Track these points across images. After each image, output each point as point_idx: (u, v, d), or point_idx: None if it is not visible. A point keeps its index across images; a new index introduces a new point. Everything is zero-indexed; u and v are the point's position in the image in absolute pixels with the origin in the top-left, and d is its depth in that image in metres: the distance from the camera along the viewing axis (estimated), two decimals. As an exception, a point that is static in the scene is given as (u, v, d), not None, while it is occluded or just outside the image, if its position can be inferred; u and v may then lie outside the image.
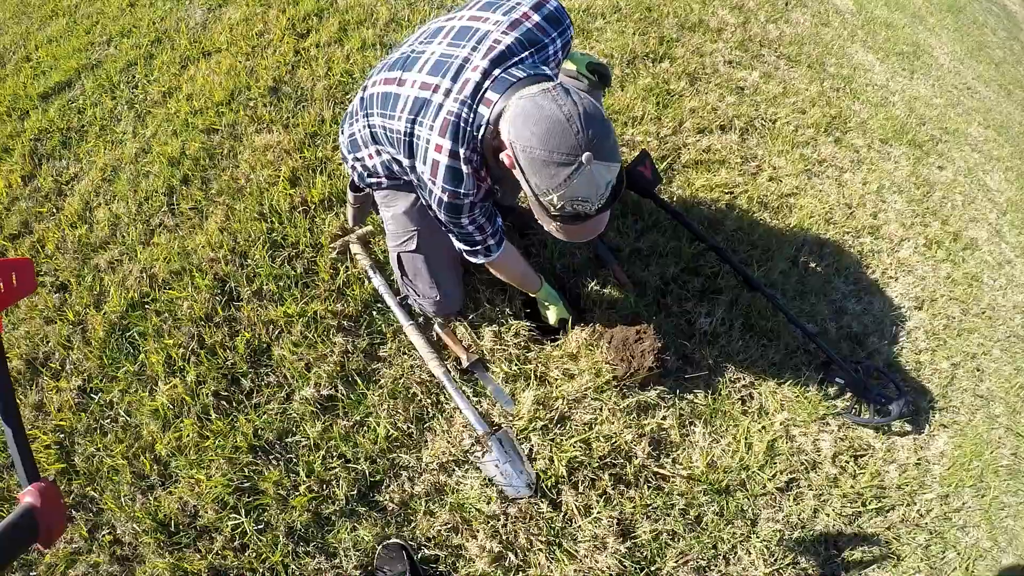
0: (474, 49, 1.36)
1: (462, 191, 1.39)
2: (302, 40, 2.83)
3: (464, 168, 1.36)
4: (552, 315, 1.98)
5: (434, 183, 1.39)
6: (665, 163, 2.59)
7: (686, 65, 3.09)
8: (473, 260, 1.69)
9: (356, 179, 1.78)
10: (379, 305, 2.01)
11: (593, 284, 2.13)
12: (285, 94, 2.58)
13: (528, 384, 1.89)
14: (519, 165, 1.23)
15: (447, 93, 1.34)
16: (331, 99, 2.56)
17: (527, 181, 1.24)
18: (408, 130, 1.39)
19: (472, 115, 1.32)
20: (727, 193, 2.56)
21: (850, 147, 3.12)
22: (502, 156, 1.30)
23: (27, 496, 0.94)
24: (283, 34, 2.82)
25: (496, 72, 1.33)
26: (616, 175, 1.23)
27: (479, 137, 1.34)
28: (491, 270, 1.82)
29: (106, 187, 2.30)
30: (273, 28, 2.86)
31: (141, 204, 2.22)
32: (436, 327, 1.96)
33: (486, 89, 1.32)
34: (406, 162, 1.45)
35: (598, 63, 1.86)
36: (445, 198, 1.41)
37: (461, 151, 1.34)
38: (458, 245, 1.65)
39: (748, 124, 2.94)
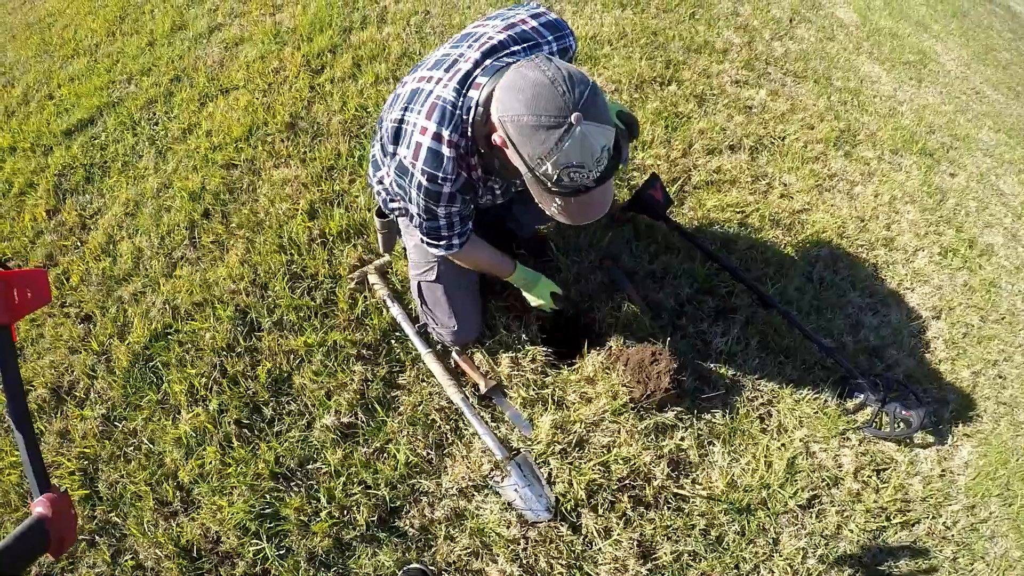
0: (469, 47, 1.41)
1: (440, 174, 1.38)
2: (317, 76, 2.90)
3: (446, 151, 1.36)
4: (533, 299, 1.90)
5: (414, 166, 1.39)
6: (676, 185, 2.61)
7: (693, 87, 3.12)
8: (433, 252, 1.67)
9: (381, 204, 1.81)
10: (397, 334, 2.03)
11: (608, 308, 2.14)
12: (302, 129, 2.64)
13: (546, 408, 1.90)
14: (510, 140, 1.20)
15: (438, 81, 1.37)
16: (347, 133, 2.62)
17: (520, 155, 1.20)
18: (400, 117, 1.42)
19: (461, 99, 1.34)
20: (739, 212, 2.57)
21: (860, 160, 3.13)
22: (493, 137, 1.28)
23: (38, 506, 0.95)
24: (298, 71, 2.90)
25: (487, 62, 1.36)
26: (612, 141, 1.20)
27: (469, 120, 1.35)
28: (455, 261, 1.79)
29: (129, 221, 2.37)
30: (288, 65, 2.94)
31: (163, 238, 2.28)
32: (454, 354, 1.98)
33: (476, 75, 1.35)
34: (390, 148, 1.46)
35: (628, 114, 1.85)
36: (424, 180, 1.39)
37: (445, 132, 1.35)
38: (420, 236, 1.63)
39: (757, 143, 2.96)
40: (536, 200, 1.34)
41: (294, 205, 2.33)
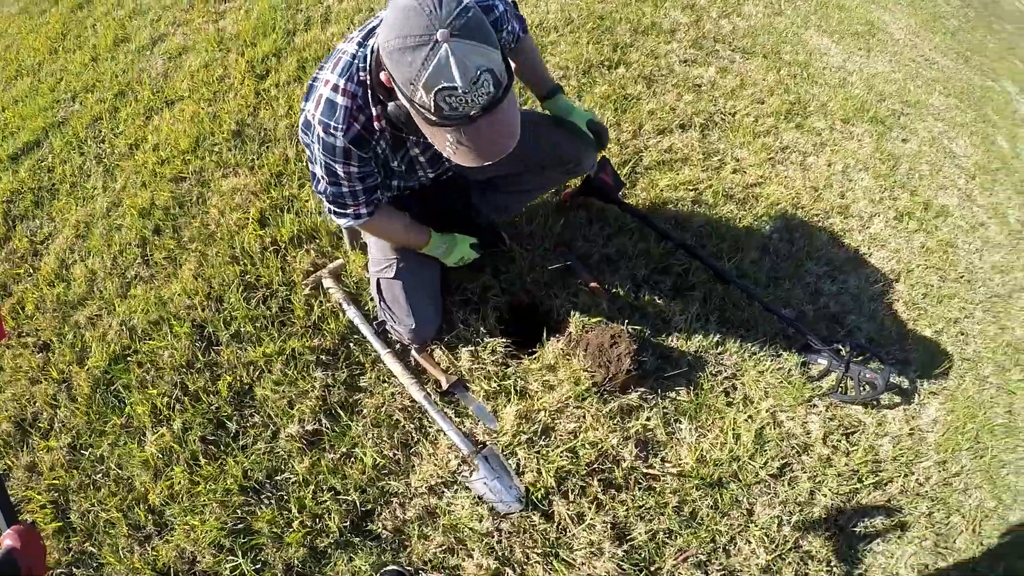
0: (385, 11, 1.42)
1: (332, 123, 1.38)
2: (262, 81, 2.86)
3: (340, 100, 1.37)
4: (456, 260, 1.89)
5: (314, 118, 1.40)
6: (627, 167, 2.61)
7: (642, 69, 3.13)
8: (340, 222, 1.67)
9: None
10: (356, 336, 2.02)
11: (565, 294, 2.14)
12: (249, 136, 2.61)
13: (509, 400, 1.90)
14: (389, 74, 1.16)
15: (351, 40, 1.39)
16: (294, 138, 2.59)
17: (398, 87, 1.16)
18: (315, 76, 1.44)
19: (360, 49, 1.36)
20: (692, 190, 2.59)
21: (812, 131, 3.16)
22: (382, 77, 1.26)
23: (7, 539, 0.95)
24: (243, 77, 2.86)
25: None
26: (497, 63, 1.12)
27: (365, 67, 1.36)
28: (364, 232, 1.78)
29: (80, 244, 2.32)
30: (233, 72, 2.90)
31: (116, 258, 2.24)
32: (413, 352, 1.97)
33: (378, 27, 1.32)
34: (302, 106, 1.46)
35: (598, 123, 1.85)
36: (321, 132, 1.40)
37: (342, 82, 1.36)
38: (327, 205, 1.62)
39: (708, 120, 2.97)
40: (432, 143, 1.27)
41: (245, 214, 2.30)
